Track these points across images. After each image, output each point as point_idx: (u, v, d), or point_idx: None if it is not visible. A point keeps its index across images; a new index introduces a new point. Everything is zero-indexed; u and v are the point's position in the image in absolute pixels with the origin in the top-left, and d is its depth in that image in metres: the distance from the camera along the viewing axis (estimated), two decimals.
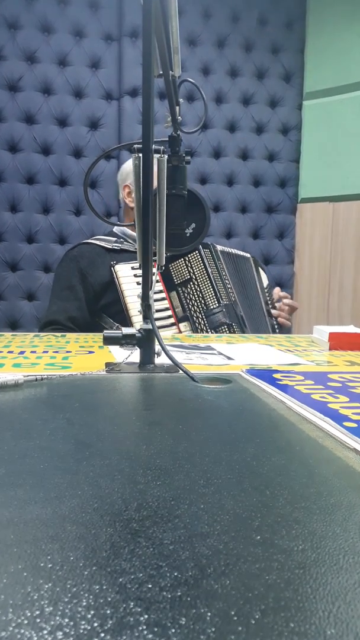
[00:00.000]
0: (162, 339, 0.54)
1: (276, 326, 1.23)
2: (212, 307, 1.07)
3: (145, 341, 0.55)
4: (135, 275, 1.10)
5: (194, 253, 1.10)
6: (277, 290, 1.30)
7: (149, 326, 0.54)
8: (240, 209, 1.98)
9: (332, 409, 0.40)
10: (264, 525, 0.21)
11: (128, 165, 1.36)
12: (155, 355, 0.55)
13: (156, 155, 0.56)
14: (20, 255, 1.83)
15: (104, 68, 1.84)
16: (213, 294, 1.08)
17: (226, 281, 1.11)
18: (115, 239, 1.27)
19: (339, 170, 1.92)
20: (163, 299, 1.09)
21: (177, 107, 0.70)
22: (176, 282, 1.10)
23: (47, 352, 0.67)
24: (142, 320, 0.55)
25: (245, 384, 0.49)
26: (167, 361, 0.54)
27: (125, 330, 0.54)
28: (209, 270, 1.09)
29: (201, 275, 1.09)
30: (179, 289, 1.09)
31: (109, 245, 1.22)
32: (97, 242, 1.24)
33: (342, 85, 1.90)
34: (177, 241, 0.91)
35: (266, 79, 1.95)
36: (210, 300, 1.08)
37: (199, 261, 1.09)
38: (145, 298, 0.54)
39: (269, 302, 1.25)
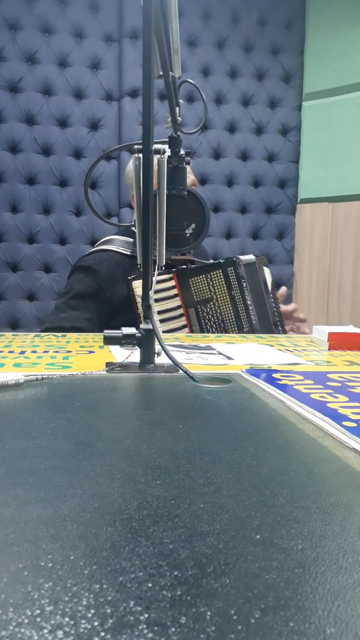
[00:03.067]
0: (162, 339, 0.54)
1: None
2: (230, 331, 1.03)
3: (146, 341, 0.55)
4: (155, 291, 1.05)
5: (217, 272, 1.03)
6: (283, 291, 1.24)
7: (149, 326, 0.54)
8: (240, 209, 1.99)
9: (332, 408, 0.40)
10: (264, 525, 0.21)
11: (127, 168, 1.30)
12: (156, 355, 0.55)
13: (156, 156, 0.56)
14: (21, 255, 1.83)
15: (104, 69, 1.84)
16: (233, 319, 1.03)
17: (248, 303, 1.05)
18: (133, 239, 1.17)
19: (338, 171, 1.92)
20: (181, 315, 1.04)
21: (177, 108, 0.70)
22: (196, 300, 1.03)
23: (47, 352, 0.67)
24: (142, 320, 0.55)
25: (245, 384, 0.49)
26: (167, 361, 0.54)
27: (126, 330, 0.54)
28: (232, 292, 1.02)
29: (222, 297, 1.02)
30: (198, 307, 1.03)
31: (127, 251, 1.13)
32: (115, 249, 1.14)
33: (342, 86, 1.90)
34: (177, 241, 0.91)
35: (266, 79, 1.96)
36: (230, 324, 1.03)
37: (221, 281, 1.02)
38: (145, 298, 0.54)
39: (275, 308, 1.20)
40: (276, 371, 0.55)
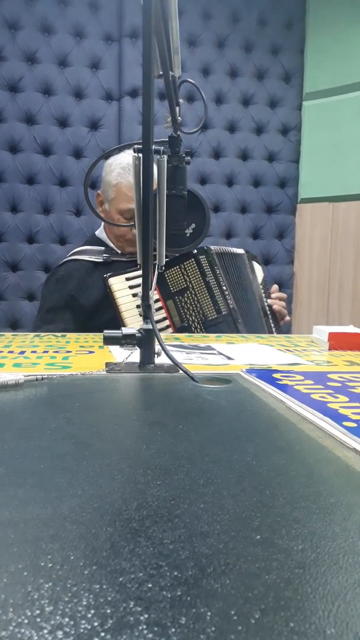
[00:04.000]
0: (162, 339, 0.54)
1: (273, 327, 1.20)
2: (210, 317, 1.04)
3: (145, 341, 0.55)
4: (130, 287, 1.05)
5: (190, 261, 1.04)
6: (275, 288, 1.27)
7: (149, 326, 0.54)
8: (240, 209, 1.98)
9: (332, 408, 0.40)
10: (264, 525, 0.21)
11: (104, 170, 1.20)
12: (155, 355, 0.55)
13: (156, 156, 0.56)
14: (21, 255, 1.83)
15: (104, 68, 1.84)
16: (211, 304, 1.04)
17: (224, 288, 1.07)
18: (104, 248, 1.19)
19: (338, 171, 1.92)
20: (160, 308, 1.05)
21: (177, 108, 0.70)
22: (172, 291, 1.05)
23: (47, 352, 0.67)
24: (142, 320, 0.55)
25: (245, 384, 0.49)
26: (167, 361, 0.54)
27: (125, 330, 0.54)
28: (206, 279, 1.04)
29: (198, 284, 1.04)
30: (176, 297, 1.05)
31: (99, 259, 1.15)
32: (86, 258, 1.16)
33: (342, 86, 1.90)
34: (177, 241, 0.91)
35: (266, 79, 1.95)
36: (208, 310, 1.04)
37: (195, 269, 1.04)
38: (145, 298, 0.54)
39: (265, 297, 1.22)
40: (276, 371, 0.55)
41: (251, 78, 1.94)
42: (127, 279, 1.06)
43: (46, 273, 1.85)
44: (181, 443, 0.31)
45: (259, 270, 1.24)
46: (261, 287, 1.22)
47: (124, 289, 1.05)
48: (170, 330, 1.04)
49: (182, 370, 0.52)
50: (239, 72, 1.94)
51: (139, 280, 1.04)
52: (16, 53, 1.78)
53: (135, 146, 0.56)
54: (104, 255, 1.16)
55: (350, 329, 0.84)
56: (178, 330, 1.04)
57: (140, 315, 1.01)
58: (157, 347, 0.55)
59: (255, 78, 1.95)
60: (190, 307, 1.05)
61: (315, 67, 1.95)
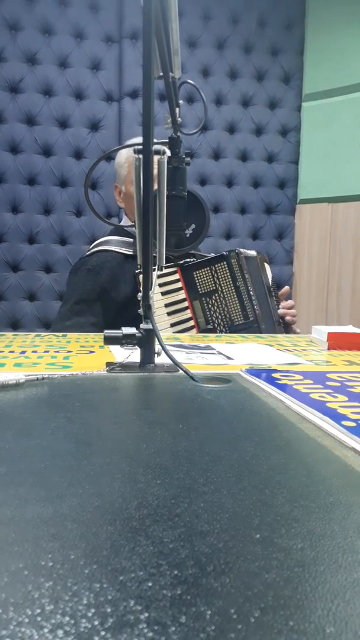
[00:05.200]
0: (162, 339, 0.54)
1: (284, 331, 1.18)
2: (237, 322, 1.03)
3: (146, 341, 0.55)
4: (160, 285, 1.04)
5: (222, 264, 1.03)
6: (285, 291, 1.24)
7: (149, 326, 0.54)
8: (240, 209, 1.99)
9: (331, 408, 0.40)
10: (263, 524, 0.21)
11: (116, 162, 1.26)
12: (156, 355, 0.56)
13: (156, 157, 0.56)
14: (22, 255, 1.83)
15: (104, 70, 1.85)
16: (239, 309, 1.03)
17: (251, 293, 1.05)
18: (132, 239, 1.17)
19: (337, 172, 1.93)
20: (186, 308, 1.04)
21: (177, 109, 0.70)
22: (200, 292, 1.03)
23: (48, 351, 0.67)
24: (142, 320, 0.55)
25: (245, 384, 0.49)
26: (167, 361, 0.54)
27: (126, 330, 0.54)
28: (237, 283, 1.02)
29: (227, 288, 1.03)
30: (203, 299, 1.03)
31: (129, 251, 1.14)
32: (117, 250, 1.14)
33: (341, 87, 1.90)
34: (177, 242, 0.91)
35: (265, 80, 1.96)
36: (236, 315, 1.03)
37: (226, 273, 1.03)
38: (145, 298, 0.55)
39: (277, 303, 1.20)
40: (276, 371, 0.55)
41: (251, 79, 1.95)
42: (158, 277, 1.03)
43: (47, 273, 1.86)
44: (181, 442, 0.31)
45: (268, 271, 1.23)
46: (272, 290, 1.21)
47: (154, 287, 1.05)
48: (194, 330, 1.03)
49: (182, 369, 0.52)
50: (238, 73, 1.94)
51: (169, 278, 1.04)
52: (17, 54, 1.78)
53: (136, 147, 0.56)
54: (134, 248, 1.13)
55: (349, 328, 0.84)
56: (202, 331, 1.03)
57: (168, 315, 1.03)
58: (157, 347, 0.55)
59: (255, 79, 1.95)
60: (217, 310, 1.03)
61: (314, 68, 1.95)
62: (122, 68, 1.85)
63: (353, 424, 0.36)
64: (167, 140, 0.74)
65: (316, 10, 1.93)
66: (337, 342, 0.78)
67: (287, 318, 1.21)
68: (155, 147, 0.54)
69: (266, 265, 1.23)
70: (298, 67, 1.97)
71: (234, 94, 1.94)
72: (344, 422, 0.36)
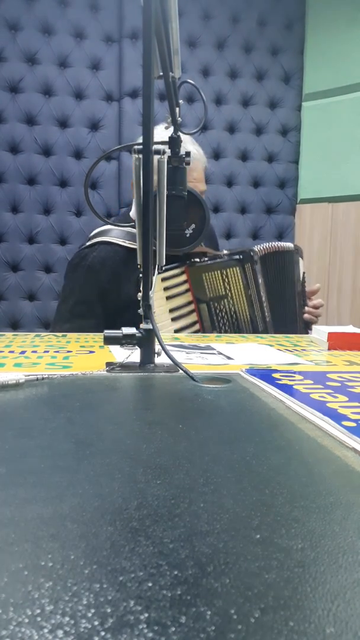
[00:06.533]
0: (162, 339, 0.54)
1: (304, 329, 1.13)
2: (244, 330, 0.99)
3: (146, 341, 0.55)
4: (165, 289, 0.97)
5: (234, 269, 0.97)
6: (315, 288, 1.17)
7: (149, 326, 0.54)
8: (240, 209, 1.99)
9: (331, 408, 0.40)
10: (264, 524, 0.21)
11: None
12: (156, 355, 0.56)
13: (156, 157, 0.56)
14: (21, 255, 1.83)
15: (104, 69, 1.85)
16: (248, 319, 0.99)
17: (263, 300, 1.00)
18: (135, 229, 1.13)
19: (338, 171, 1.93)
20: (192, 311, 0.99)
21: (177, 109, 0.70)
22: (209, 296, 0.98)
23: (48, 351, 0.67)
24: (142, 320, 0.55)
25: (245, 384, 0.49)
26: (167, 361, 0.54)
27: (126, 330, 0.54)
28: (248, 292, 0.97)
29: (238, 295, 0.98)
30: (211, 303, 0.98)
31: (133, 245, 1.05)
32: (119, 242, 1.03)
33: (342, 87, 1.90)
34: (176, 242, 0.91)
35: (266, 80, 1.96)
36: (244, 323, 0.99)
37: (238, 279, 0.97)
38: (145, 298, 0.55)
39: (303, 299, 1.13)
40: (276, 371, 0.55)
41: (251, 79, 1.95)
42: (163, 279, 0.98)
43: (47, 273, 1.86)
44: (181, 442, 0.31)
45: (301, 267, 1.14)
46: (301, 284, 1.12)
47: (158, 291, 0.97)
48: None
49: (182, 370, 0.52)
50: (238, 73, 1.94)
51: (175, 280, 0.97)
52: (16, 54, 1.78)
53: (136, 147, 0.56)
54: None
55: (350, 329, 0.84)
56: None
57: (173, 321, 0.98)
58: (157, 347, 0.55)
59: (255, 79, 1.95)
60: (225, 316, 0.99)
61: (314, 68, 1.95)
62: (122, 68, 1.85)
63: (353, 424, 0.36)
64: (168, 140, 0.74)
65: (316, 10, 1.93)
66: (337, 342, 0.78)
67: (305, 316, 1.12)
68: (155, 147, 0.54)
69: (300, 260, 1.12)
70: (298, 67, 1.97)
71: (234, 94, 1.94)
72: (344, 422, 0.36)
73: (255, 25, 1.92)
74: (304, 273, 1.14)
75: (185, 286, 1.00)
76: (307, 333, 1.13)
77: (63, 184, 1.85)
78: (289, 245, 1.07)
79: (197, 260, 1.00)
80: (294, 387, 0.48)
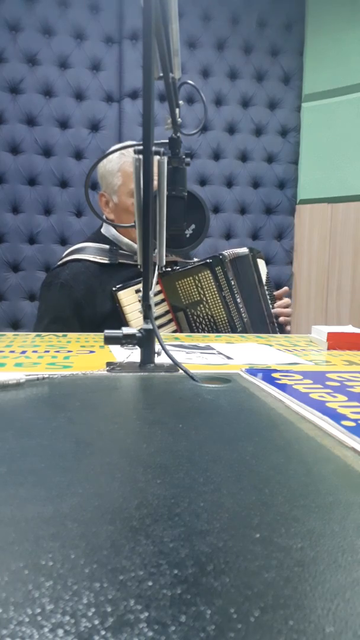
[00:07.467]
0: (162, 339, 0.54)
1: (277, 330, 1.15)
2: (222, 331, 1.00)
3: (146, 341, 0.55)
4: (139, 301, 0.96)
5: (205, 273, 0.98)
6: (283, 291, 1.20)
7: (149, 326, 0.54)
8: (240, 210, 1.99)
9: (331, 408, 0.40)
10: (263, 524, 0.21)
11: (102, 168, 1.14)
12: (156, 355, 0.56)
13: (156, 157, 0.56)
14: (22, 256, 1.83)
15: (104, 70, 1.85)
16: (226, 320, 0.99)
17: (238, 301, 1.01)
18: (109, 246, 1.09)
19: (337, 172, 1.93)
20: (170, 320, 0.99)
21: (177, 109, 0.71)
22: (185, 303, 0.98)
23: (48, 351, 0.68)
24: (142, 320, 0.55)
25: (245, 383, 0.49)
26: (167, 361, 0.54)
27: (126, 330, 0.54)
28: (222, 293, 0.98)
29: (213, 298, 0.98)
30: (187, 310, 0.98)
31: (104, 260, 1.06)
32: (91, 258, 1.06)
33: (341, 87, 1.90)
34: (176, 242, 0.91)
35: (265, 81, 1.96)
36: (222, 326, 0.99)
37: (210, 282, 0.98)
38: (145, 298, 0.55)
39: (271, 301, 1.16)
40: (275, 371, 0.56)
41: (250, 80, 1.95)
42: (137, 291, 0.98)
43: (47, 273, 1.86)
44: (181, 442, 0.31)
45: (262, 267, 1.16)
46: (266, 288, 1.15)
47: (134, 303, 0.98)
48: None
49: (182, 369, 0.52)
50: (238, 74, 1.94)
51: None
52: (17, 54, 1.78)
53: (136, 148, 0.56)
54: (110, 256, 1.07)
55: (349, 328, 0.84)
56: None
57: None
58: (157, 347, 0.55)
59: (255, 80, 1.96)
60: (204, 321, 0.99)
61: (314, 68, 1.95)
62: (122, 69, 1.85)
63: (353, 424, 0.36)
64: (167, 141, 0.74)
65: (316, 10, 1.94)
66: (336, 342, 0.78)
67: (281, 319, 1.17)
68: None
69: (260, 261, 1.16)
70: (298, 68, 1.97)
71: (234, 95, 1.94)
72: (344, 422, 0.36)
73: (255, 26, 1.92)
74: (267, 273, 1.17)
75: (160, 296, 1.01)
76: (281, 333, 1.15)
77: (63, 185, 1.85)
78: (244, 250, 1.10)
79: (169, 269, 1.01)
80: (294, 386, 0.48)
